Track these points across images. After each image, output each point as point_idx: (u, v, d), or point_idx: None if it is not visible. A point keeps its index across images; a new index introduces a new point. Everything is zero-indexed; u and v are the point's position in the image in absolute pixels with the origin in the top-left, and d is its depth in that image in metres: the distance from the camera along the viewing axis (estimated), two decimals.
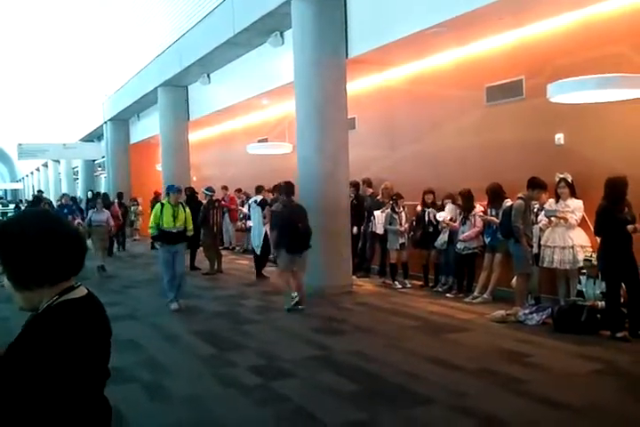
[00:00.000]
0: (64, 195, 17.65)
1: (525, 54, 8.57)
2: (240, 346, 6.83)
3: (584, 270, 7.32)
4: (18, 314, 1.79)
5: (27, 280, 1.65)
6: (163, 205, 9.06)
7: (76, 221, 13.79)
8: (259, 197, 12.39)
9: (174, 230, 8.92)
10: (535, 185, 7.60)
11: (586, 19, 7.66)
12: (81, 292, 1.74)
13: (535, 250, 7.86)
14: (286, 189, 8.87)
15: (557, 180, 7.71)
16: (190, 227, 9.21)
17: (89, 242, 12.75)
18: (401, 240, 10.08)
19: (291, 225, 8.36)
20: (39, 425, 1.56)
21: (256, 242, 11.96)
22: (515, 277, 7.89)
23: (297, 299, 8.49)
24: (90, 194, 21.49)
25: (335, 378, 5.57)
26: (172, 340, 7.34)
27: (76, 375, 1.60)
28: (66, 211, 14.94)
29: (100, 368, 1.72)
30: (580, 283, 7.39)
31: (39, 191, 24.40)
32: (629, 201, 6.53)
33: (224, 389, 5.43)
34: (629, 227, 6.36)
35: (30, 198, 43.38)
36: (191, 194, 13.57)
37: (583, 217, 7.53)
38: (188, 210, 9.24)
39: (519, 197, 7.64)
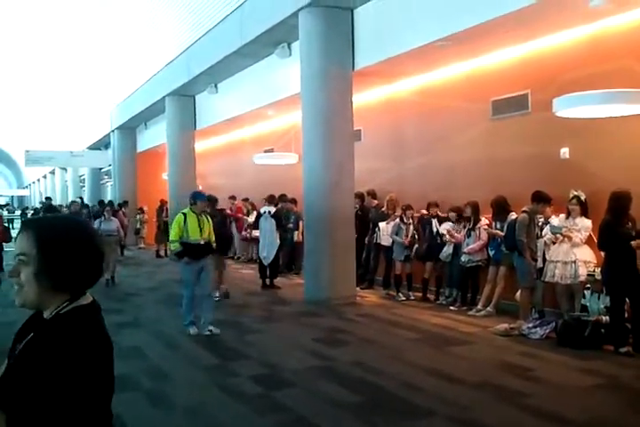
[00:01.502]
0: (73, 202, 17.24)
1: (531, 68, 8.60)
2: (243, 355, 6.83)
3: (588, 285, 7.30)
4: (25, 318, 1.79)
5: (59, 280, 1.62)
6: (185, 214, 8.01)
7: None
8: (271, 208, 12.27)
9: (202, 242, 7.96)
10: (540, 199, 7.60)
11: (593, 33, 7.69)
12: (87, 298, 1.73)
13: (540, 264, 7.87)
14: (212, 200, 10.18)
15: (571, 196, 7.69)
16: (213, 239, 8.27)
17: None
18: (406, 252, 10.07)
19: (220, 230, 9.44)
20: None
21: (264, 253, 11.92)
22: (519, 291, 7.89)
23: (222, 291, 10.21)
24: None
25: (337, 389, 5.57)
26: (174, 348, 7.36)
27: (89, 385, 1.57)
28: None
29: (111, 378, 1.69)
30: (584, 297, 7.38)
31: (47, 198, 24.37)
32: (633, 216, 6.53)
33: (226, 398, 5.43)
34: (633, 243, 6.36)
35: (37, 205, 43.53)
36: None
37: (589, 235, 7.51)
38: (210, 220, 8.34)
39: (523, 211, 7.66)
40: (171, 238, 8.17)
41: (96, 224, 12.57)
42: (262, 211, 12.25)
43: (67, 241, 1.62)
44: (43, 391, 1.49)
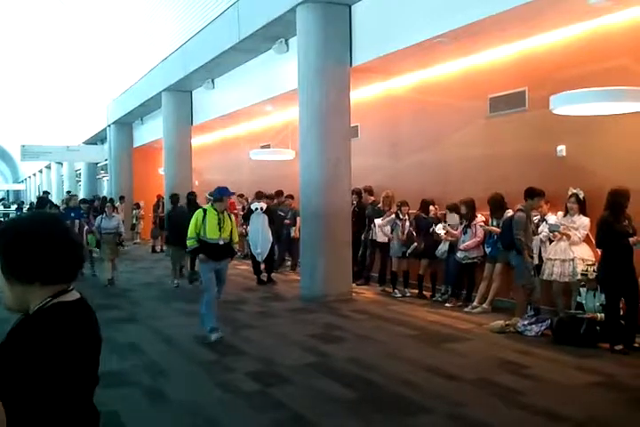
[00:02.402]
0: (73, 196, 16.04)
1: (529, 66, 8.61)
2: (239, 351, 6.84)
3: (583, 283, 7.32)
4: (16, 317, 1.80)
5: (19, 273, 1.67)
6: (205, 211, 7.55)
7: (85, 228, 12.72)
8: (262, 205, 12.27)
9: (220, 242, 7.45)
10: (533, 194, 7.61)
11: (590, 31, 7.70)
12: (73, 296, 1.76)
13: (536, 261, 7.89)
14: (173, 198, 12.67)
15: (569, 194, 7.70)
16: (237, 239, 7.91)
17: (98, 251, 12.22)
18: (403, 248, 10.08)
19: (176, 225, 10.81)
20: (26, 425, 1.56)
21: (257, 249, 11.92)
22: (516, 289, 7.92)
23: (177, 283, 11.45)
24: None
25: (333, 385, 5.58)
26: (171, 344, 7.35)
27: (63, 379, 1.60)
28: (73, 215, 12.96)
29: (89, 374, 1.72)
30: (579, 295, 7.39)
31: (45, 192, 24.22)
32: (629, 214, 6.55)
33: (222, 394, 5.44)
34: (631, 239, 6.38)
35: (32, 200, 43.43)
36: (193, 199, 13.55)
37: (587, 234, 7.52)
38: (233, 218, 7.88)
39: (519, 209, 7.65)
40: (188, 235, 7.62)
41: (97, 221, 12.19)
42: (254, 207, 12.17)
43: (26, 239, 1.67)
44: (16, 383, 1.53)
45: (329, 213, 9.71)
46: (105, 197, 19.50)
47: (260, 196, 12.54)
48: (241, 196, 16.04)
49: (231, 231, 7.59)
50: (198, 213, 7.55)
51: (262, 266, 12.06)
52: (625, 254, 6.46)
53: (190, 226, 7.56)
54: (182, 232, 9.19)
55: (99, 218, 12.28)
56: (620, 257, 6.46)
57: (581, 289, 7.34)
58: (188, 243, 7.68)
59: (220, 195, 7.57)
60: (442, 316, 8.56)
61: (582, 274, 7.27)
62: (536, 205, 7.74)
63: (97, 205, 16.42)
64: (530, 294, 7.69)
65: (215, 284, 7.48)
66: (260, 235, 11.96)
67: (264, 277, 11.94)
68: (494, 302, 8.68)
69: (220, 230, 7.41)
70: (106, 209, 12.43)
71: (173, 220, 12.10)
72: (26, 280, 1.67)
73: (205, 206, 7.74)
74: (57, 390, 1.59)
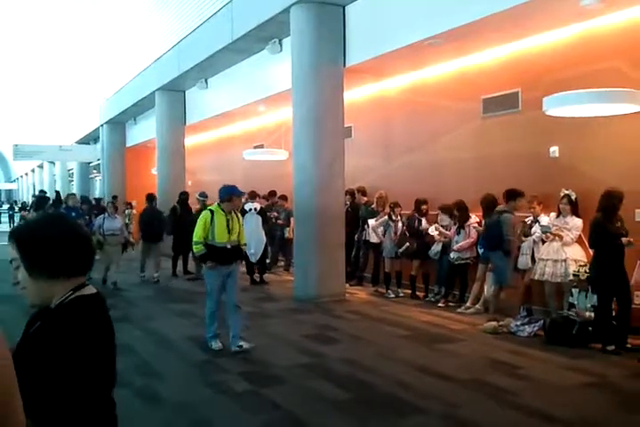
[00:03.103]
0: (71, 195, 14.95)
1: (522, 67, 8.63)
2: (232, 352, 6.81)
3: (575, 284, 7.35)
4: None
5: (44, 269, 1.81)
6: (212, 212, 6.93)
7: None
8: (256, 205, 12.19)
9: (229, 246, 6.89)
10: (516, 195, 7.67)
11: (583, 33, 7.73)
12: (91, 290, 1.91)
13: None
14: (148, 197, 13.10)
15: (562, 195, 7.71)
16: (244, 241, 7.33)
17: (99, 254, 11.25)
18: (396, 249, 10.09)
19: (150, 223, 12.21)
20: (53, 419, 1.67)
21: (251, 249, 11.87)
22: (492, 289, 8.05)
23: (158, 277, 12.13)
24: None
25: (326, 386, 5.58)
26: (164, 344, 7.34)
27: (92, 369, 1.73)
28: (74, 215, 12.51)
29: (112, 366, 1.86)
30: (571, 296, 7.42)
31: (41, 191, 24.03)
32: (621, 216, 6.58)
33: (215, 395, 5.44)
34: (624, 240, 6.41)
35: (25, 199, 43.25)
36: (185, 198, 13.54)
37: (580, 235, 7.55)
38: (240, 217, 7.30)
39: (505, 211, 7.66)
40: (194, 240, 6.97)
41: (98, 222, 11.68)
42: (247, 208, 11.98)
43: (42, 236, 1.84)
44: (48, 375, 1.66)
45: (322, 213, 9.71)
46: (99, 199, 19.22)
47: (253, 196, 12.46)
48: None
49: (238, 233, 7.06)
50: (206, 215, 6.93)
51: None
52: (617, 255, 6.49)
53: (197, 229, 6.92)
54: (152, 229, 11.77)
55: (100, 218, 11.82)
56: (613, 258, 6.49)
57: (573, 290, 7.37)
58: (195, 249, 7.07)
59: (229, 194, 7.02)
60: (435, 316, 8.57)
61: (574, 275, 7.30)
62: (518, 205, 7.77)
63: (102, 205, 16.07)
64: (498, 294, 7.87)
65: (221, 291, 6.94)
66: (254, 235, 11.92)
67: (257, 277, 11.93)
68: (487, 303, 8.69)
69: (228, 233, 6.88)
70: (107, 209, 11.98)
71: (145, 218, 12.93)
72: (50, 275, 1.82)
73: (212, 207, 7.08)
74: (86, 380, 1.72)
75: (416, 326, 8.02)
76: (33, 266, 1.81)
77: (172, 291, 11.39)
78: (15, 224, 30.42)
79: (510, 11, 7.10)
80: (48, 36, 23.85)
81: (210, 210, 7.01)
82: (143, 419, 4.93)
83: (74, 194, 15.69)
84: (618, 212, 6.55)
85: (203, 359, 6.59)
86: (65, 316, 1.77)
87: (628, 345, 6.55)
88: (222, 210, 6.93)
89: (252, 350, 6.78)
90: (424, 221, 9.87)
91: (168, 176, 17.28)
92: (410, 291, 10.07)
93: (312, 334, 7.66)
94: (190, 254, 12.87)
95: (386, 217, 10.19)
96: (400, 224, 10.11)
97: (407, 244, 9.96)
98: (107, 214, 11.68)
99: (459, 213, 9.13)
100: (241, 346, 6.75)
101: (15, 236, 1.87)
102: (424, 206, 9.90)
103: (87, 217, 13.25)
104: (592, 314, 6.93)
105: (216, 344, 6.90)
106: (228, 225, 6.88)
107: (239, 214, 7.31)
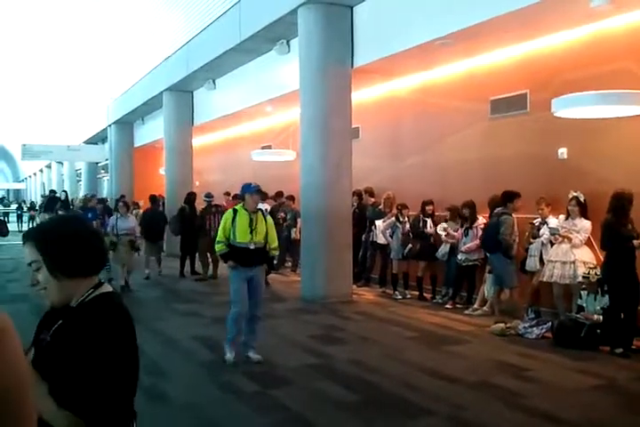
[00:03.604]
0: (91, 196, 15.67)
1: (531, 68, 8.61)
2: (239, 353, 6.81)
3: (584, 286, 7.32)
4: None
5: (66, 268, 1.87)
6: (236, 211, 6.59)
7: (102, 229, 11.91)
8: (266, 206, 12.00)
9: (251, 246, 6.49)
10: (513, 196, 7.72)
11: (593, 34, 7.70)
12: (108, 288, 1.98)
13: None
14: (153, 199, 13.76)
15: (570, 197, 7.68)
16: (275, 244, 6.81)
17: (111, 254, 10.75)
18: (403, 250, 10.07)
19: (151, 223, 12.89)
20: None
21: None
22: (502, 292, 8.03)
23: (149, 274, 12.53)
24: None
25: (333, 387, 5.58)
26: (171, 344, 7.35)
27: (119, 364, 1.80)
28: (90, 216, 12.84)
29: (136, 358, 1.93)
30: (580, 298, 7.39)
31: (52, 191, 24.08)
32: (631, 217, 6.56)
33: (223, 395, 5.44)
34: (635, 242, 6.39)
35: (33, 199, 43.39)
36: (192, 199, 13.55)
37: (589, 237, 7.52)
38: (270, 220, 6.82)
39: (504, 213, 7.66)
40: (217, 239, 6.73)
41: (111, 222, 11.49)
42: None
43: (60, 235, 1.90)
44: (78, 370, 1.72)
45: (329, 214, 9.70)
46: (104, 199, 19.37)
47: (263, 197, 12.33)
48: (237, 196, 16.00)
49: (267, 234, 6.62)
50: (228, 215, 6.68)
51: None
52: (629, 257, 6.48)
53: (220, 229, 6.69)
54: (152, 229, 12.62)
55: (113, 218, 11.70)
56: (624, 260, 6.47)
57: (582, 292, 7.34)
58: (217, 247, 6.78)
59: (242, 192, 6.77)
60: (442, 318, 8.56)
61: (584, 277, 7.27)
62: (516, 207, 7.78)
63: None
64: (498, 296, 7.94)
65: (246, 296, 6.51)
66: None
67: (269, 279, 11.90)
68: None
69: (251, 233, 6.48)
70: (119, 208, 11.76)
71: (147, 218, 13.46)
72: (71, 273, 1.88)
73: (237, 206, 6.76)
74: (115, 374, 1.79)
75: (423, 327, 8.00)
76: (55, 265, 1.86)
77: (179, 291, 11.41)
78: (24, 224, 30.60)
79: (520, 11, 7.08)
80: (57, 36, 23.95)
81: (233, 209, 6.74)
82: (151, 419, 4.93)
83: (94, 195, 17.15)
84: (628, 213, 6.52)
85: (210, 359, 6.60)
86: (91, 313, 1.84)
87: (634, 347, 6.53)
88: (245, 209, 6.60)
89: (258, 350, 6.77)
90: (429, 222, 9.85)
91: (176, 176, 17.32)
92: (417, 292, 10.06)
93: (319, 334, 7.66)
94: (197, 255, 12.94)
95: (393, 218, 10.18)
96: (407, 225, 10.09)
97: (410, 245, 9.94)
98: (119, 214, 11.51)
99: (468, 213, 9.10)
100: (248, 357, 6.51)
101: (33, 237, 1.91)
102: (429, 207, 9.88)
103: (101, 217, 13.36)
104: (600, 317, 6.90)
105: (230, 354, 6.45)
106: (250, 225, 6.51)
107: (268, 216, 6.94)
